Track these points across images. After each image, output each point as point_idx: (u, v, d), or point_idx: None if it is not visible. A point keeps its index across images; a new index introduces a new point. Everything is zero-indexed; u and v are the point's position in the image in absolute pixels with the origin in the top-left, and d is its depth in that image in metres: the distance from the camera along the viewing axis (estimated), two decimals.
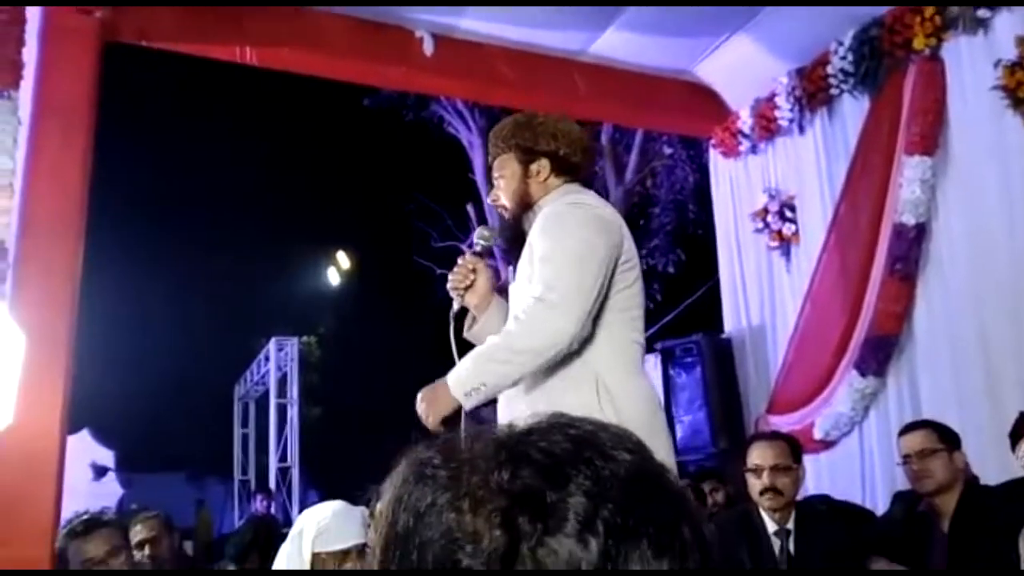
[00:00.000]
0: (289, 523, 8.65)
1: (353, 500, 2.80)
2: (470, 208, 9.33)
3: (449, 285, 2.30)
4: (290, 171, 13.11)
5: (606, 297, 2.05)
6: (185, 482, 14.17)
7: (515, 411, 2.02)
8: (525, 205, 2.24)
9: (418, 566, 0.48)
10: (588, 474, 0.49)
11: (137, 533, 3.39)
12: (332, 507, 2.69)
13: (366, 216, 12.66)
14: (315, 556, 2.57)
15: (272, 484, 9.28)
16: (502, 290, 2.40)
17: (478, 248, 2.36)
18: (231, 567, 3.58)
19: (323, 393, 13.04)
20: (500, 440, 0.53)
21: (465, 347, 2.28)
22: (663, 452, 1.98)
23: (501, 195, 2.29)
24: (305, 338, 11.45)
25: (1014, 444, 2.37)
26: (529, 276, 2.09)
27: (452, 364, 2.18)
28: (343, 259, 12.60)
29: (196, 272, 12.68)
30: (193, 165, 12.49)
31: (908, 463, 2.71)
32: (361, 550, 2.65)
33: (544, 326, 1.96)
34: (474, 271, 2.30)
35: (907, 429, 2.85)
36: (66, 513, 3.40)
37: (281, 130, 12.49)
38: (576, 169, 2.28)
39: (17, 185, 3.63)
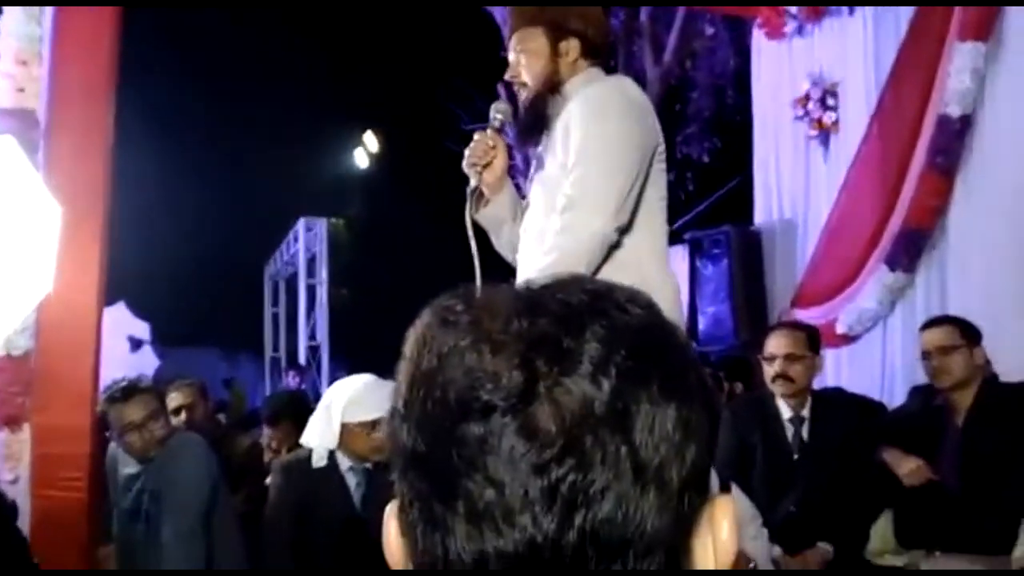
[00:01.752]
0: (319, 399, 8.93)
1: (382, 376, 2.89)
2: (500, 89, 9.11)
3: (466, 162, 2.17)
4: (319, 48, 12.82)
5: (644, 185, 2.01)
6: (218, 358, 14.64)
7: None
8: (552, 86, 2.12)
9: (442, 403, 0.51)
10: (603, 323, 0.52)
11: (173, 399, 3.55)
12: (362, 379, 2.78)
13: (394, 96, 12.44)
14: (344, 426, 2.68)
15: (302, 362, 9.57)
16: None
17: (496, 124, 2.22)
18: (266, 429, 3.73)
19: (351, 274, 13.20)
20: (519, 292, 0.55)
21: (476, 228, 2.25)
22: None
23: (523, 72, 2.14)
24: (334, 219, 11.50)
25: None
26: (564, 163, 2.02)
27: (467, 245, 2.19)
28: (371, 140, 12.47)
29: (227, 150, 12.66)
30: (222, 42, 12.26)
31: (928, 359, 2.71)
32: None
33: (580, 228, 1.93)
34: (494, 148, 2.17)
35: (928, 324, 2.84)
36: (104, 382, 3.56)
37: (311, 5, 12.16)
38: (600, 53, 2.18)
39: (45, 53, 3.60)
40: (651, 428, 0.50)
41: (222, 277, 12.58)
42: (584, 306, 0.53)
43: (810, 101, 5.22)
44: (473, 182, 2.17)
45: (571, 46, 2.11)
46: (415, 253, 12.75)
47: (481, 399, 0.50)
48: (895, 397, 4.63)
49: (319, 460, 2.71)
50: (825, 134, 5.24)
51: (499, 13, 8.99)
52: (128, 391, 2.75)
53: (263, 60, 12.43)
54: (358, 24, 12.47)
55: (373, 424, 2.67)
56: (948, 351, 2.66)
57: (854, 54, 5.03)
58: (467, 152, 2.17)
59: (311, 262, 9.78)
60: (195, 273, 12.68)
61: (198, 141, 12.50)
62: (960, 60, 4.22)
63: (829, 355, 5.09)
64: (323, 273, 9.68)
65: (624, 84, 2.11)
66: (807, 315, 5.24)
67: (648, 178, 2.01)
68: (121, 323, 8.18)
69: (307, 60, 12.92)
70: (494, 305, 0.54)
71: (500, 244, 2.28)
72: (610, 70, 2.28)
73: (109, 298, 4.80)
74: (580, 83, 2.11)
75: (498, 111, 2.22)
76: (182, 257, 12.28)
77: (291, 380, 8.66)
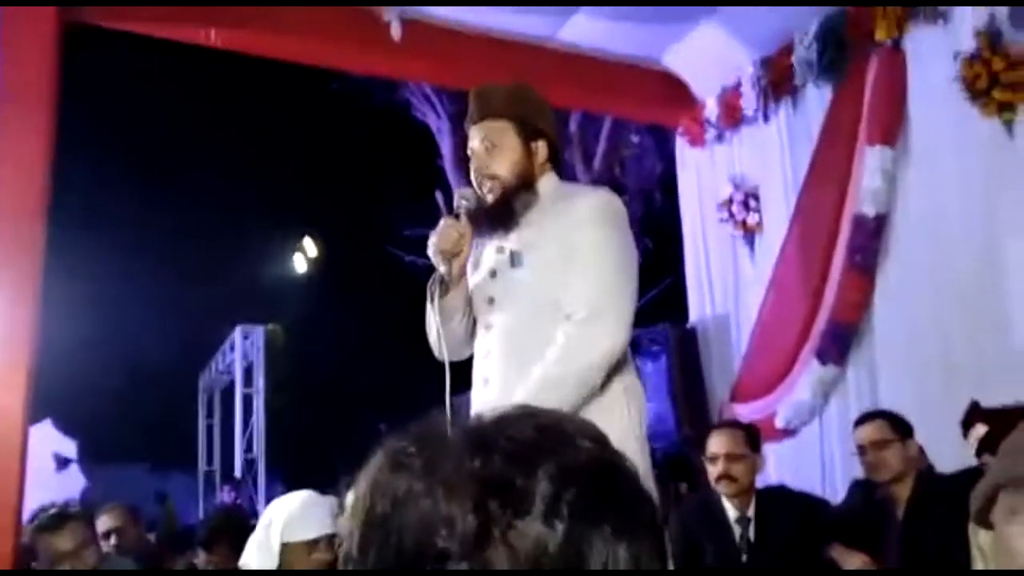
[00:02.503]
0: (256, 514, 8.66)
1: (321, 490, 2.82)
2: (439, 196, 9.28)
3: (435, 248, 2.06)
4: (256, 155, 12.94)
5: None
6: (148, 473, 14.02)
7: None
8: (525, 183, 2.09)
9: (397, 549, 0.52)
10: (554, 461, 0.53)
11: (103, 523, 3.40)
12: (301, 497, 2.71)
13: (333, 202, 12.56)
14: (284, 546, 2.59)
15: (238, 475, 9.21)
16: None
17: (461, 210, 2.11)
18: (201, 554, 3.56)
19: (290, 382, 12.95)
20: (471, 430, 0.56)
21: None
22: (641, 459, 1.98)
23: (494, 165, 2.08)
24: (271, 325, 11.34)
25: (965, 432, 2.44)
26: (550, 266, 1.99)
27: (423, 337, 2.12)
28: (309, 245, 12.48)
29: (160, 258, 12.50)
30: (157, 149, 12.29)
31: (863, 454, 2.78)
32: (330, 540, 2.67)
33: (601, 340, 1.91)
34: (463, 237, 2.07)
35: (861, 420, 2.92)
36: (29, 504, 3.38)
37: (247, 113, 12.31)
38: (559, 161, 2.19)
39: None
40: (604, 569, 0.51)
41: (154, 388, 12.21)
42: (534, 444, 0.54)
43: (733, 203, 5.46)
44: (442, 270, 2.08)
45: (540, 147, 2.12)
46: (356, 357, 12.62)
47: (436, 545, 0.50)
48: (836, 489, 4.69)
49: None
50: (750, 235, 5.46)
51: (433, 122, 9.26)
52: (58, 519, 2.64)
53: (198, 165, 12.45)
54: (295, 128, 12.66)
55: (314, 543, 2.60)
56: (881, 446, 2.73)
57: (772, 159, 5.31)
58: (435, 239, 2.07)
59: (248, 371, 9.55)
60: (126, 386, 12.29)
61: (130, 249, 12.32)
62: (871, 162, 4.49)
63: (771, 450, 5.17)
64: (260, 382, 9.45)
65: (616, 198, 2.13)
66: (746, 409, 5.33)
67: None
68: (47, 441, 7.83)
69: (244, 164, 12.99)
70: (446, 445, 0.55)
71: (448, 332, 2.15)
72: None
73: (35, 416, 4.61)
74: (552, 186, 2.11)
75: (463, 197, 2.13)
76: (113, 370, 11.91)
77: (226, 495, 8.32)
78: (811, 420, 5.04)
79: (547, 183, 2.12)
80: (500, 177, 2.08)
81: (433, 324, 2.11)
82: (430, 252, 2.08)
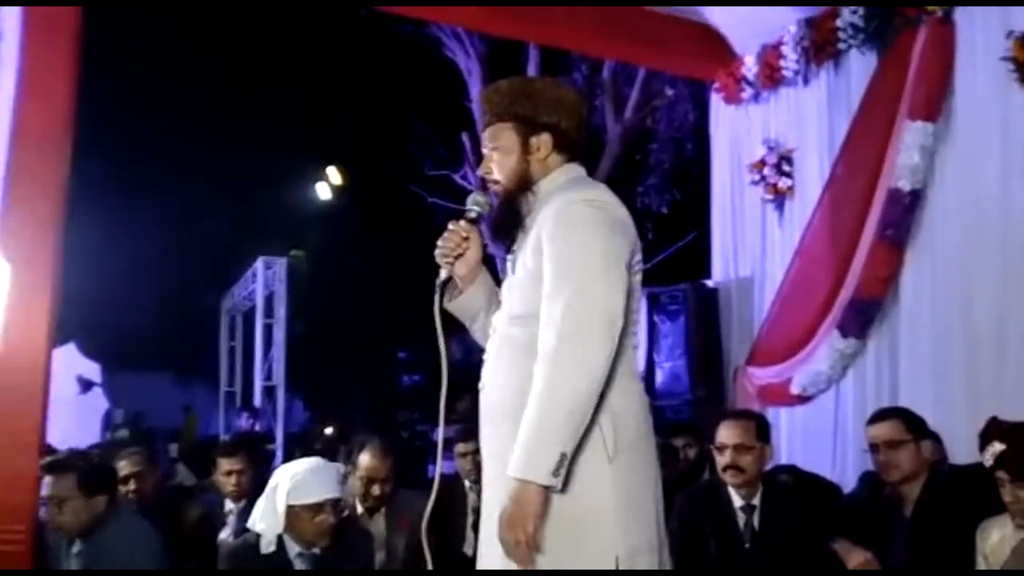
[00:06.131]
0: (275, 440, 8.90)
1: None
2: (465, 137, 9.15)
3: (438, 252, 2.07)
4: (282, 82, 12.74)
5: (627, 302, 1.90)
6: (172, 384, 14.40)
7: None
8: (523, 185, 2.02)
9: None
10: None
11: (123, 468, 3.47)
12: (307, 462, 2.78)
13: (358, 133, 12.41)
14: (289, 509, 2.66)
15: (257, 402, 9.39)
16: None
17: (472, 215, 2.10)
18: (223, 462, 3.66)
19: (310, 309, 13.06)
20: None
21: (447, 319, 2.15)
22: (650, 467, 1.91)
23: (496, 170, 2.04)
24: (294, 252, 11.37)
25: (983, 446, 2.41)
26: (532, 273, 1.91)
27: (434, 334, 2.10)
28: (334, 174, 12.41)
29: (187, 180, 12.50)
30: (183, 76, 12.14)
31: (875, 452, 2.75)
32: (335, 503, 2.73)
33: (583, 362, 1.77)
34: (467, 239, 2.07)
35: (875, 418, 2.88)
36: (52, 428, 3.51)
37: (273, 39, 12.09)
38: (575, 147, 2.06)
39: (3, 103, 3.61)
40: None
41: (178, 311, 12.40)
42: None
43: (766, 166, 5.33)
44: (443, 274, 2.08)
45: (542, 142, 2.00)
46: (375, 290, 12.70)
47: None
48: (847, 462, 4.70)
49: (267, 546, 2.66)
50: (781, 198, 5.34)
51: (463, 62, 9.05)
52: (50, 467, 2.72)
53: (225, 92, 12.33)
54: (322, 56, 12.45)
55: (318, 507, 2.66)
56: (895, 446, 2.70)
57: (809, 123, 5.16)
58: (439, 243, 2.07)
59: (269, 301, 9.64)
60: (150, 308, 12.48)
61: (157, 172, 12.33)
62: (910, 137, 4.35)
63: (784, 415, 5.18)
64: (281, 312, 9.53)
65: (602, 193, 1.97)
66: (761, 373, 5.32)
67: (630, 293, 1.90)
68: (71, 364, 8.00)
69: (270, 91, 12.86)
70: None
71: (474, 332, 2.19)
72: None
73: (59, 339, 4.71)
74: (554, 183, 2.00)
75: (475, 203, 2.11)
76: (137, 293, 12.07)
77: (244, 422, 8.51)
78: (827, 388, 5.02)
79: (555, 178, 2.01)
80: (501, 182, 2.04)
81: (438, 325, 2.09)
82: (436, 255, 2.08)
